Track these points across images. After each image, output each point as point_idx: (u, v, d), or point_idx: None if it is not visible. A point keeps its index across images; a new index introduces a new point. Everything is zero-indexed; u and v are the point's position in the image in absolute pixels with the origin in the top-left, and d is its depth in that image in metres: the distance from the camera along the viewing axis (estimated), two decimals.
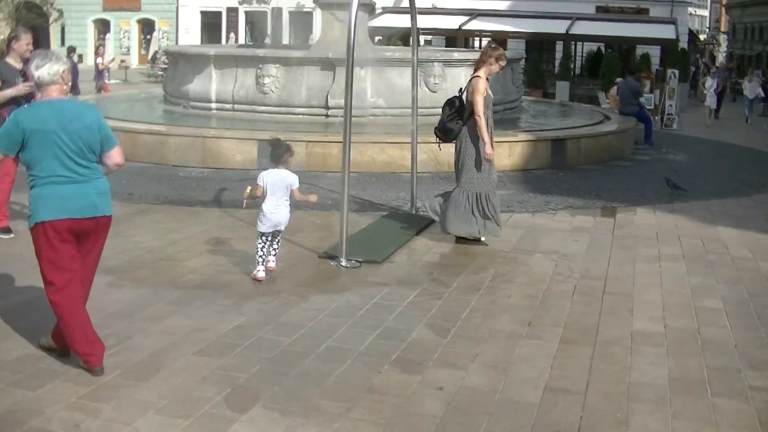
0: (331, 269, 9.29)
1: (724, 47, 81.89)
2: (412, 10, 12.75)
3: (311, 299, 8.12)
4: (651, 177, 16.30)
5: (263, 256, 8.83)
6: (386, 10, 40.48)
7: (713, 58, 74.01)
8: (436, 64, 18.92)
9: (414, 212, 12.20)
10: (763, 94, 34.74)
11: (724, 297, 8.67)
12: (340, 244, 9.50)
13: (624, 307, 8.14)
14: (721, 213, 13.27)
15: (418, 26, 30.00)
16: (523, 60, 24.60)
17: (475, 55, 20.70)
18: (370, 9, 22.82)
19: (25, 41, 10.46)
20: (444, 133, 10.47)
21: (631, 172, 17.00)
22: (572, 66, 41.32)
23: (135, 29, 59.14)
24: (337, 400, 5.78)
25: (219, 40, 53.95)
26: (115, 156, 6.27)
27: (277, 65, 18.62)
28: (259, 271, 8.75)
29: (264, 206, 8.91)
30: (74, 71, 30.01)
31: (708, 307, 8.30)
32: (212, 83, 19.41)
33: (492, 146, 10.21)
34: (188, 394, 5.82)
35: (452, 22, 41.88)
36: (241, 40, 53.85)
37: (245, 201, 9.28)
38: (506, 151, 16.30)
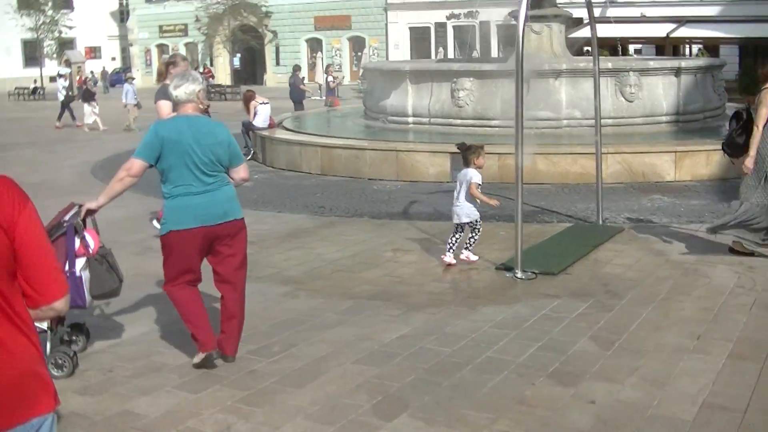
0: (506, 281, 9.28)
1: None
2: (591, 19, 12.55)
3: (479, 310, 8.13)
4: None
5: (449, 245, 9.92)
6: (594, 20, 39.86)
7: None
8: (632, 73, 18.55)
9: (600, 223, 12.01)
10: None
11: None
12: (516, 256, 9.48)
13: None
14: None
15: (626, 35, 29.22)
16: (725, 65, 23.72)
17: (672, 63, 20.35)
18: (566, 20, 22.57)
19: (182, 67, 10.91)
20: (732, 148, 10.17)
21: None
22: None
23: (346, 47, 60.66)
24: (485, 411, 5.78)
25: (428, 55, 54.61)
26: (241, 171, 6.72)
27: (472, 78, 18.72)
28: (445, 256, 9.89)
29: None
30: (297, 87, 31.16)
31: None
32: (408, 98, 19.72)
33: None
34: (339, 401, 5.97)
35: (660, 30, 40.99)
36: (450, 54, 54.29)
37: None
38: (704, 160, 15.83)
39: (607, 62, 19.92)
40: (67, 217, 6.55)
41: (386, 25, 58.26)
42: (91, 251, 6.59)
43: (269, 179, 16.94)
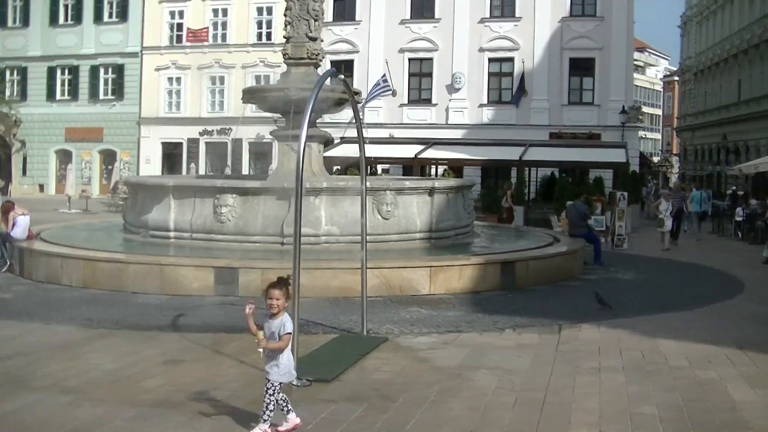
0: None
1: (676, 168, 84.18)
2: (360, 141, 13.34)
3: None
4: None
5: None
6: (343, 140, 41.42)
7: (667, 179, 76.07)
8: (388, 192, 19.50)
9: (365, 334, 12.60)
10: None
11: (660, 403, 9.17)
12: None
13: (562, 416, 8.57)
14: (663, 326, 13.79)
15: (375, 156, 30.66)
16: (474, 186, 25.40)
17: (426, 183, 21.56)
18: (324, 140, 23.49)
19: None
20: None
21: (579, 291, 17.51)
22: (527, 191, 42.27)
23: (96, 159, 59.81)
24: None
25: (180, 170, 54.71)
26: None
27: (234, 195, 19.07)
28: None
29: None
30: None
31: (643, 413, 8.80)
32: (171, 213, 19.79)
33: None
34: None
35: (409, 151, 42.98)
36: (202, 171, 54.61)
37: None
38: (456, 275, 16.87)
39: (366, 182, 20.79)
40: None
41: (138, 139, 58.03)
42: None
43: (30, 291, 16.63)
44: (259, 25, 55.91)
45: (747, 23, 56.34)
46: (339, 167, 41.05)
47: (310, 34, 22.01)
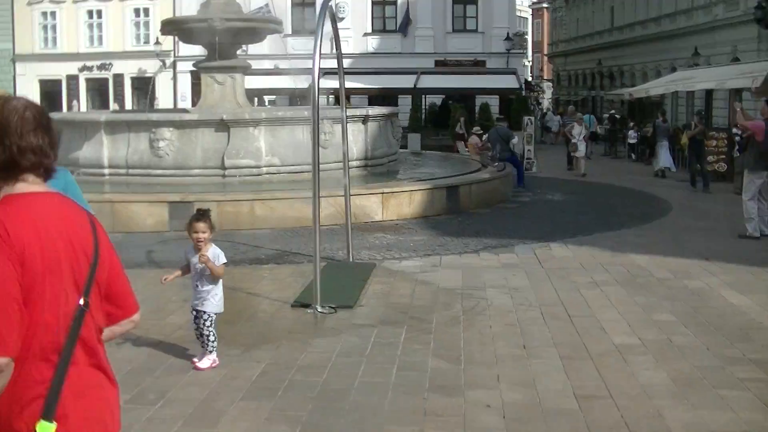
0: (309, 316, 9.76)
1: (548, 94, 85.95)
2: (340, 72, 13.49)
3: (312, 343, 8.58)
4: (543, 216, 17.51)
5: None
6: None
7: (539, 104, 77.70)
8: (325, 121, 19.54)
9: (350, 261, 12.80)
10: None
11: (673, 311, 9.74)
12: (314, 292, 10.00)
13: (595, 327, 9.01)
14: (624, 242, 14.48)
15: (260, 87, 29.95)
16: (398, 114, 25.63)
17: (361, 111, 21.68)
18: (246, 71, 23.34)
19: None
20: None
21: (523, 212, 18.14)
22: (421, 118, 42.71)
23: None
24: (406, 425, 6.35)
25: (60, 108, 53.00)
26: None
27: (171, 128, 18.84)
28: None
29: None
30: None
31: (664, 320, 9.31)
32: (104, 149, 19.36)
33: None
34: None
35: (295, 82, 42.72)
36: (83, 108, 53.17)
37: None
38: (407, 200, 17.17)
39: (304, 111, 20.76)
40: None
41: (14, 77, 55.98)
42: None
43: None
44: None
45: None
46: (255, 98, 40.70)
47: None
